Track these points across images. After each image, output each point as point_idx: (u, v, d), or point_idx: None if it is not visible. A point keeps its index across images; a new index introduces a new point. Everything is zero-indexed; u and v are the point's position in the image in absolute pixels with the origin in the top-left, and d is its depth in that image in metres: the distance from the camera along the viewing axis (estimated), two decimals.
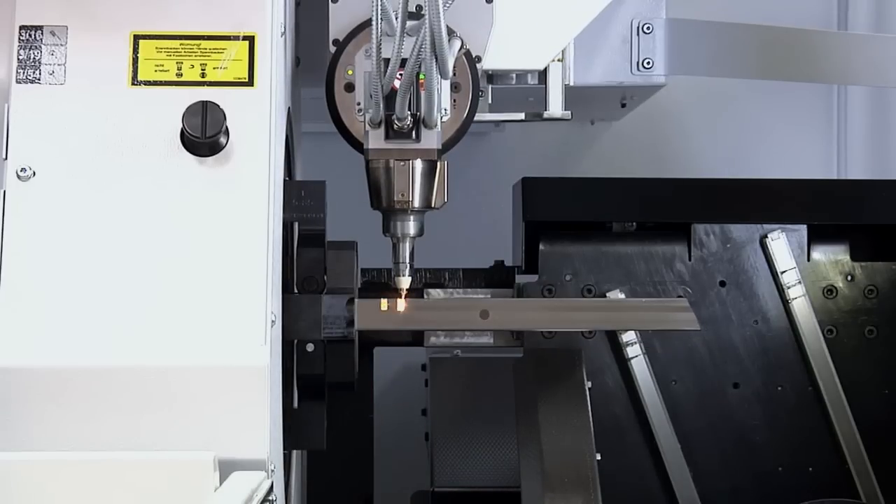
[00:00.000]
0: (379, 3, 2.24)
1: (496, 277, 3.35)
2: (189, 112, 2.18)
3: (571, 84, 2.90)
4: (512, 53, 2.76)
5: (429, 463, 3.44)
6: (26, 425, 2.09)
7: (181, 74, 2.23)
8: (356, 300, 2.52)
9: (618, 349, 3.32)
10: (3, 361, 2.09)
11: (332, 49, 2.53)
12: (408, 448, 3.89)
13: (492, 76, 2.84)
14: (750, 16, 3.93)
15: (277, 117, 2.28)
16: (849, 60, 3.17)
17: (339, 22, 2.53)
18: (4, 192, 2.18)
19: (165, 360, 2.11)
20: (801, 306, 3.33)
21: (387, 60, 2.30)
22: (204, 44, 2.25)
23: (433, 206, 2.57)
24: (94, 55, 2.23)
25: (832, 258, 3.37)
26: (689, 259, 3.34)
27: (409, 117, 2.40)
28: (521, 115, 2.91)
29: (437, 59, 2.24)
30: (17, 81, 2.22)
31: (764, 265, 3.35)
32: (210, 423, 2.10)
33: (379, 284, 3.15)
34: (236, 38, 2.25)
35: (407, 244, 2.61)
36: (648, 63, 3.18)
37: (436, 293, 3.28)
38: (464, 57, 2.53)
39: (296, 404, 2.47)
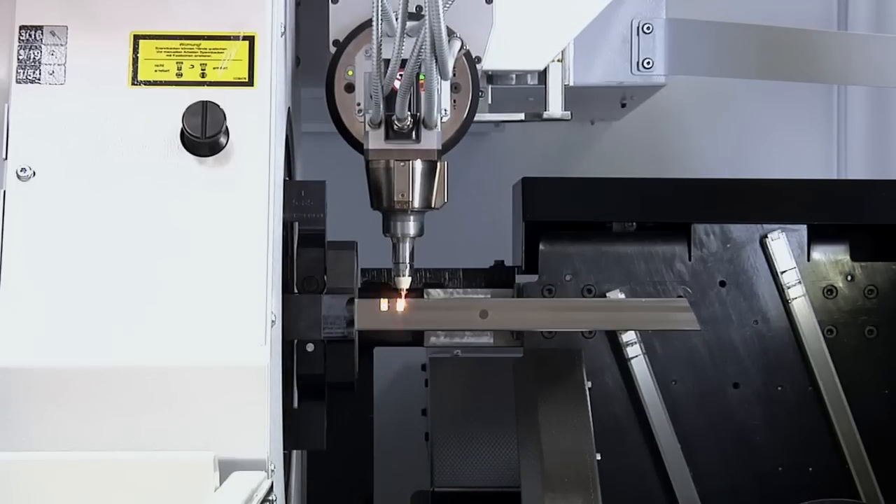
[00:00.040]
0: (379, 3, 2.24)
1: (496, 277, 3.35)
2: (189, 112, 2.18)
3: (571, 84, 2.90)
4: (512, 54, 2.76)
5: (429, 463, 3.44)
6: (26, 425, 2.09)
7: (181, 74, 2.23)
8: (356, 300, 2.52)
9: (618, 349, 3.32)
10: (3, 361, 2.09)
11: (332, 49, 2.53)
12: (408, 448, 3.89)
13: (492, 76, 2.84)
14: (750, 16, 3.93)
15: (277, 117, 2.28)
16: (849, 60, 3.17)
17: (340, 22, 2.54)
18: (4, 192, 2.18)
19: (165, 360, 2.11)
20: (801, 306, 3.33)
21: (387, 61, 2.30)
22: (204, 44, 2.25)
23: (433, 206, 2.57)
24: (94, 55, 2.23)
25: (832, 258, 3.37)
26: (689, 259, 3.34)
27: (409, 118, 2.40)
28: (521, 116, 2.91)
29: (437, 59, 2.25)
30: (17, 81, 2.22)
31: (764, 265, 3.35)
32: (210, 423, 2.10)
33: (379, 284, 3.15)
34: (236, 38, 2.25)
35: (407, 244, 2.61)
36: (648, 63, 3.18)
37: (436, 293, 3.28)
38: (464, 57, 2.53)
39: (296, 404, 2.47)
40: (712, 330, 3.33)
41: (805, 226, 3.35)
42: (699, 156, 4.38)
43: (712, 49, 3.24)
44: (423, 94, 2.35)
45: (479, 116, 2.70)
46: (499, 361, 3.40)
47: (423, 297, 3.25)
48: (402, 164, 2.50)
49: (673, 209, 3.35)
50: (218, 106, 2.18)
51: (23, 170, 2.18)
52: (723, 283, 3.35)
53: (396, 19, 2.25)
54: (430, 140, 2.44)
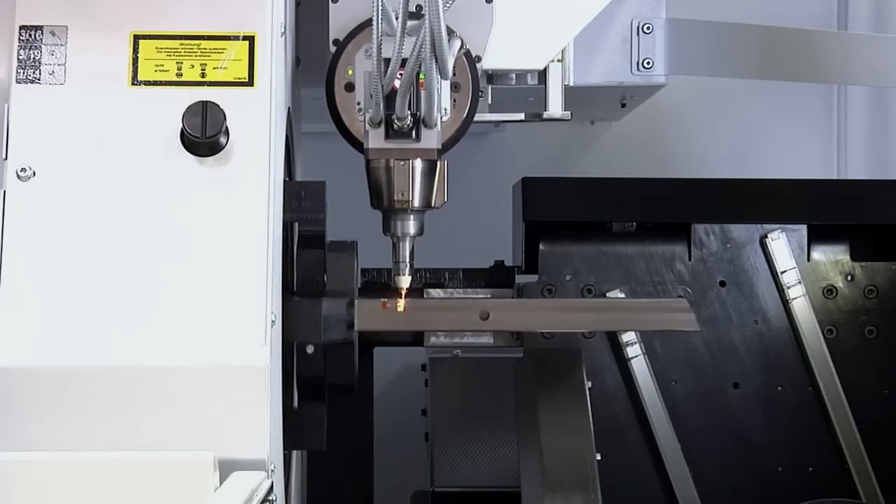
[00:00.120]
0: (379, 3, 2.24)
1: (496, 277, 3.35)
2: (189, 112, 2.18)
3: (571, 84, 2.90)
4: (512, 53, 2.76)
5: (429, 463, 3.44)
6: (26, 425, 2.09)
7: (181, 74, 2.23)
8: (356, 302, 2.52)
9: (618, 349, 3.32)
10: (3, 361, 2.09)
11: (332, 49, 2.53)
12: (408, 448, 3.89)
13: (492, 76, 2.84)
14: (750, 16, 3.93)
15: (277, 117, 2.28)
16: (849, 60, 3.17)
17: (340, 22, 2.53)
18: (4, 192, 2.18)
19: (165, 360, 2.11)
20: (801, 306, 3.33)
21: (387, 60, 2.30)
22: (204, 44, 2.25)
23: (433, 205, 2.57)
24: (94, 55, 2.23)
25: (832, 258, 3.37)
26: (689, 259, 3.34)
27: (409, 117, 2.40)
28: (521, 116, 2.91)
29: (437, 59, 2.24)
30: (17, 81, 2.22)
31: (764, 265, 3.35)
32: (210, 423, 2.10)
33: (379, 284, 3.15)
34: (236, 38, 2.25)
35: (407, 243, 2.61)
36: (648, 63, 3.18)
37: (436, 293, 3.28)
38: (464, 57, 2.53)
39: (296, 404, 2.47)
40: (712, 330, 3.33)
41: (805, 226, 3.35)
42: (699, 156, 4.38)
43: (712, 49, 3.24)
44: (423, 93, 2.35)
45: (479, 116, 2.70)
46: (499, 361, 3.40)
47: (422, 297, 3.24)
48: (402, 163, 2.50)
49: (673, 209, 3.35)
50: (218, 106, 2.18)
51: (23, 170, 2.18)
52: (723, 283, 3.35)
53: (396, 18, 2.25)
54: (430, 139, 2.44)
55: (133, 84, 2.23)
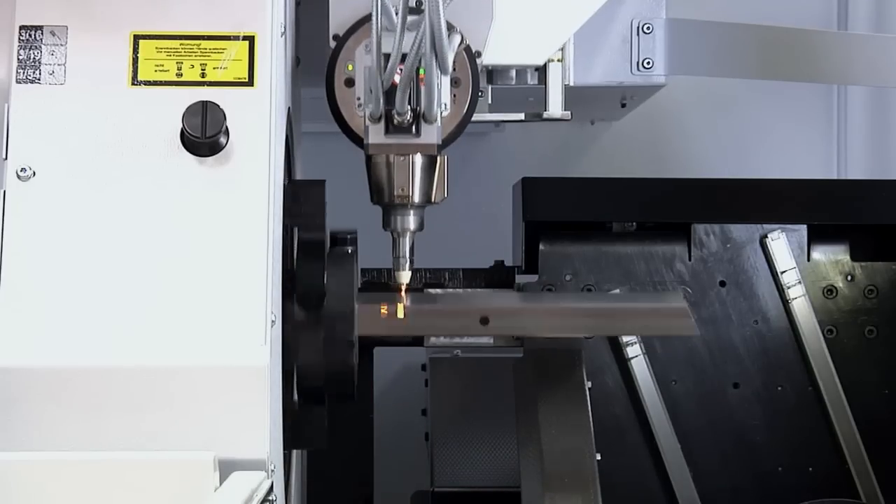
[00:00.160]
0: None
1: (496, 277, 3.35)
2: (189, 112, 2.18)
3: (571, 84, 2.90)
4: (512, 48, 2.75)
5: (429, 463, 3.44)
6: (26, 425, 2.09)
7: (181, 74, 2.23)
8: (356, 309, 2.51)
9: (618, 349, 3.32)
10: (3, 361, 2.09)
11: (332, 44, 2.52)
12: (408, 448, 3.89)
13: (492, 75, 2.84)
14: (750, 16, 3.93)
15: (277, 117, 2.27)
16: (849, 60, 3.17)
17: (339, 17, 2.53)
18: (4, 192, 2.18)
19: (165, 360, 2.11)
20: (801, 306, 3.33)
21: (387, 55, 2.30)
22: (204, 44, 2.25)
23: (433, 200, 2.56)
24: (94, 55, 2.23)
25: (832, 258, 3.37)
26: (689, 259, 3.35)
27: (409, 112, 2.39)
28: (521, 115, 2.91)
29: (436, 54, 2.24)
30: (17, 81, 2.22)
31: (764, 265, 3.35)
32: (210, 423, 2.10)
33: (379, 284, 3.15)
34: (236, 38, 2.25)
35: (407, 239, 2.60)
36: (648, 63, 3.18)
37: (435, 293, 3.28)
38: (464, 52, 2.52)
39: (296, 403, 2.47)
40: (712, 330, 3.33)
41: (805, 226, 3.35)
42: (699, 156, 4.38)
43: (712, 49, 3.24)
44: (422, 88, 2.34)
45: (479, 116, 2.70)
46: (499, 361, 3.40)
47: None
48: (401, 158, 2.49)
49: (673, 209, 3.36)
50: (218, 106, 2.18)
51: (23, 170, 2.18)
52: (723, 283, 3.35)
53: (396, 14, 2.25)
54: (430, 134, 2.43)
55: (133, 84, 2.23)
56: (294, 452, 2.74)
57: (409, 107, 2.38)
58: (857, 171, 4.36)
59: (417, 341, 3.25)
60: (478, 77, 2.54)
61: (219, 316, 2.14)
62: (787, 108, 4.37)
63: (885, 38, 3.58)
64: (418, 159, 2.50)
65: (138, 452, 2.07)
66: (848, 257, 3.38)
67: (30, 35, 2.23)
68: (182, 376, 2.10)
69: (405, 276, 2.63)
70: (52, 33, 2.24)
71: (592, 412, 3.09)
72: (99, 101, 2.21)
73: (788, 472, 3.34)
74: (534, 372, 3.12)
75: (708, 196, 3.38)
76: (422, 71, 2.29)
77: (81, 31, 2.24)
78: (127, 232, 2.16)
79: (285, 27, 2.38)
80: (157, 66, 2.24)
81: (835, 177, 4.37)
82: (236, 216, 2.18)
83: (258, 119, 2.22)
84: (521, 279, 3.35)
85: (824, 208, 3.36)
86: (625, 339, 3.29)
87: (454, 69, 2.48)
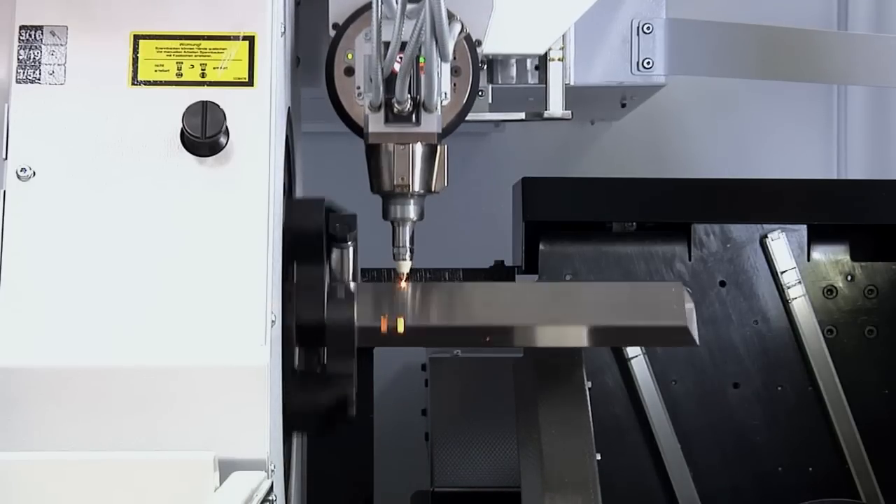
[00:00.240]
0: None
1: (496, 277, 3.35)
2: (189, 112, 2.18)
3: (571, 84, 2.90)
4: (512, 37, 2.74)
5: (429, 463, 3.44)
6: (26, 425, 2.09)
7: (181, 74, 2.23)
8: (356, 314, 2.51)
9: (618, 349, 3.32)
10: (3, 361, 2.09)
11: (332, 33, 2.52)
12: (408, 448, 3.89)
13: (493, 72, 2.83)
14: (750, 16, 3.93)
15: (277, 117, 2.27)
16: (849, 60, 3.17)
17: (339, 5, 2.51)
18: (4, 192, 2.18)
19: (165, 360, 2.11)
20: (801, 306, 3.33)
21: (387, 44, 2.29)
22: (204, 44, 2.25)
23: (433, 189, 2.55)
24: (94, 55, 2.23)
25: (832, 258, 3.37)
26: (689, 259, 3.35)
27: (409, 101, 2.39)
28: (522, 115, 2.91)
29: (437, 41, 2.23)
30: (17, 81, 2.22)
31: (764, 265, 3.35)
32: (210, 423, 2.10)
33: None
34: (236, 38, 2.25)
35: (407, 228, 2.59)
36: (648, 63, 3.18)
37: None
38: (464, 41, 2.50)
39: None
40: (712, 330, 3.33)
41: (805, 226, 3.35)
42: (699, 156, 4.38)
43: (712, 49, 3.24)
44: (423, 76, 2.34)
45: (479, 116, 2.70)
46: (499, 361, 3.40)
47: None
48: (402, 147, 2.48)
49: (673, 209, 3.36)
50: (218, 106, 2.18)
51: (23, 170, 2.18)
52: (723, 283, 3.35)
53: (396, 2, 2.24)
54: (431, 123, 2.43)
55: (133, 84, 2.23)
56: (294, 452, 2.74)
57: (408, 95, 2.38)
58: (857, 171, 4.36)
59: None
60: (478, 66, 2.53)
61: (219, 316, 2.14)
62: (787, 108, 4.37)
63: (885, 38, 3.58)
64: (418, 148, 2.49)
65: (138, 452, 2.07)
66: (848, 257, 3.38)
67: (30, 35, 2.23)
68: (182, 376, 2.10)
69: (406, 266, 2.62)
70: (52, 33, 2.24)
71: (592, 412, 3.09)
72: (99, 101, 2.21)
73: (788, 472, 3.34)
74: (534, 372, 3.12)
75: (708, 196, 3.38)
76: (422, 59, 2.28)
77: (81, 31, 2.24)
78: (127, 232, 2.16)
79: (285, 27, 2.38)
80: (157, 66, 2.24)
81: (835, 177, 4.37)
82: (236, 216, 2.18)
83: (258, 119, 2.22)
84: (521, 279, 3.34)
85: (824, 208, 3.36)
86: None
87: (454, 58, 2.47)
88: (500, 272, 3.36)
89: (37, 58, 2.22)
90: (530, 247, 3.34)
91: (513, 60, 2.86)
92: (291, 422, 2.40)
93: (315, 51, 2.72)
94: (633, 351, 3.30)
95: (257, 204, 2.19)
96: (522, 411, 3.08)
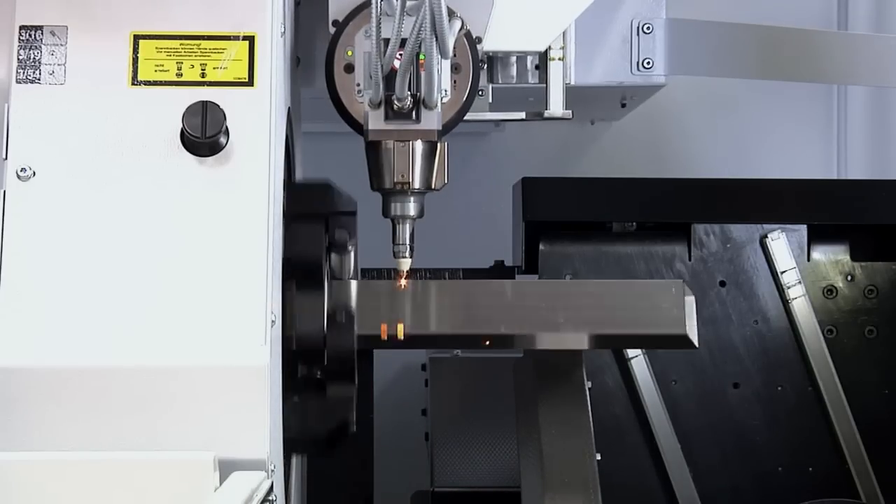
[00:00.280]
0: None
1: (496, 278, 3.35)
2: (189, 112, 2.18)
3: (572, 84, 2.90)
4: (513, 34, 2.74)
5: (429, 463, 3.44)
6: (26, 425, 2.09)
7: (181, 74, 2.23)
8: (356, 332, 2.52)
9: (618, 349, 3.32)
10: (3, 361, 2.09)
11: (332, 30, 2.51)
12: (408, 448, 3.89)
13: (493, 71, 2.83)
14: (750, 16, 3.93)
15: (277, 117, 2.27)
16: (849, 60, 3.17)
17: (339, 2, 2.51)
18: (4, 192, 2.18)
19: (165, 360, 2.11)
20: (801, 306, 3.33)
21: (386, 40, 2.29)
22: (204, 44, 2.25)
23: (433, 187, 2.54)
24: (94, 55, 2.23)
25: (832, 258, 3.37)
26: (689, 259, 3.34)
27: (409, 98, 2.38)
28: (522, 115, 2.91)
29: (437, 38, 2.23)
30: (17, 81, 2.22)
31: (764, 265, 3.35)
32: (210, 423, 2.10)
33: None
34: (236, 38, 2.25)
35: (407, 226, 2.58)
36: (648, 63, 3.18)
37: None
38: (464, 38, 2.50)
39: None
40: (712, 330, 3.33)
41: (805, 226, 3.35)
42: (699, 156, 4.38)
43: (712, 49, 3.24)
44: (423, 73, 2.34)
45: (479, 116, 2.69)
46: (499, 361, 3.40)
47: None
48: (402, 144, 2.48)
49: (673, 209, 3.36)
50: (218, 106, 2.18)
51: (23, 170, 2.18)
52: (723, 283, 3.35)
53: None
54: (431, 120, 2.42)
55: (133, 84, 2.23)
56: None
57: (408, 92, 2.37)
58: (857, 171, 4.36)
59: None
60: (478, 63, 2.52)
61: (219, 316, 2.14)
62: (787, 108, 4.37)
63: (885, 38, 3.58)
64: (418, 145, 2.49)
65: (138, 452, 2.07)
66: (848, 257, 3.38)
67: (30, 35, 2.23)
68: (182, 376, 2.10)
69: (406, 264, 2.62)
70: (52, 33, 2.24)
71: (592, 412, 3.09)
72: (99, 101, 2.21)
73: (788, 472, 3.34)
74: (534, 372, 3.12)
75: (708, 196, 3.38)
76: (422, 56, 2.28)
77: (81, 31, 2.24)
78: (127, 232, 2.16)
79: (285, 27, 2.38)
80: (157, 66, 2.24)
81: (835, 177, 4.37)
82: (236, 216, 2.18)
83: (258, 119, 2.22)
84: (521, 279, 3.34)
85: (824, 208, 3.36)
86: None
87: (454, 55, 2.46)
88: (500, 272, 3.36)
89: (37, 58, 2.22)
90: (530, 247, 3.34)
91: (513, 59, 2.86)
92: (291, 446, 2.40)
93: (310, 50, 2.72)
94: (633, 351, 3.30)
95: (257, 204, 2.19)
96: (522, 411, 3.08)
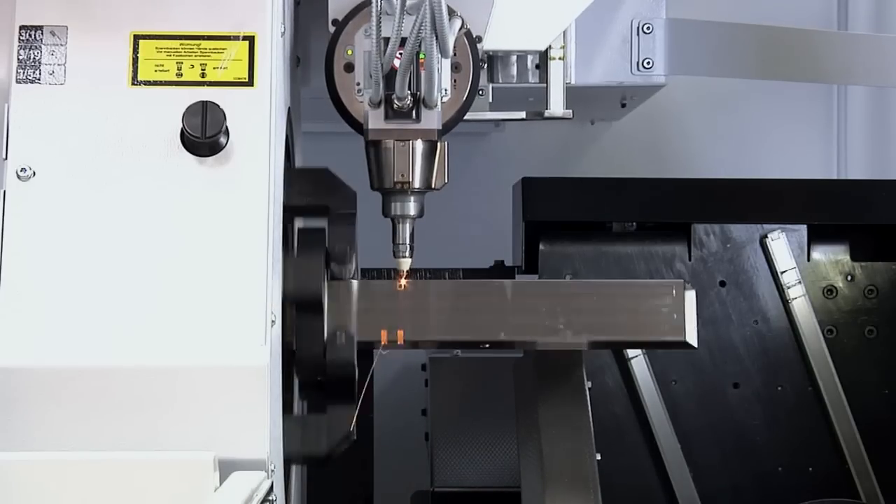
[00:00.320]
0: None
1: (496, 278, 3.35)
2: (189, 112, 2.18)
3: (572, 83, 2.90)
4: (513, 33, 2.73)
5: (429, 463, 3.44)
6: (26, 425, 2.09)
7: (181, 74, 2.23)
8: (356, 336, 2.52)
9: (618, 349, 3.32)
10: (3, 361, 2.09)
11: (332, 29, 2.51)
12: (408, 448, 3.89)
13: (493, 70, 2.83)
14: (750, 16, 3.93)
15: (277, 117, 2.27)
16: (849, 60, 3.18)
17: (339, 1, 2.50)
18: (4, 192, 2.18)
19: (165, 360, 2.11)
20: (801, 306, 3.33)
21: (386, 40, 2.29)
22: (204, 44, 2.25)
23: (433, 186, 2.54)
24: (94, 55, 2.23)
25: (832, 258, 3.37)
26: (689, 259, 3.34)
27: (409, 97, 2.38)
28: (522, 115, 2.91)
29: (437, 38, 2.23)
30: (17, 81, 2.22)
31: (764, 265, 3.35)
32: (210, 423, 2.10)
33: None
34: (236, 38, 2.25)
35: (407, 225, 2.58)
36: (648, 63, 3.18)
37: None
38: (464, 37, 2.49)
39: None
40: (712, 330, 3.33)
41: (805, 226, 3.35)
42: (699, 156, 4.38)
43: (712, 49, 3.24)
44: (423, 72, 2.33)
45: (479, 115, 2.69)
46: (499, 361, 3.40)
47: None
48: (402, 144, 2.48)
49: (673, 209, 3.36)
50: (218, 106, 2.18)
51: (23, 170, 2.18)
52: (723, 283, 3.35)
53: None
54: (431, 120, 2.42)
55: (133, 84, 2.23)
56: None
57: (409, 92, 2.37)
58: (857, 171, 4.36)
59: None
60: (478, 62, 2.52)
61: (219, 316, 2.14)
62: (787, 108, 4.37)
63: (885, 38, 3.58)
64: (419, 145, 2.48)
65: (138, 452, 2.07)
66: (848, 257, 3.38)
67: (30, 35, 2.23)
68: (182, 376, 2.10)
69: (406, 264, 2.61)
70: (52, 33, 2.24)
71: (592, 412, 3.09)
72: (99, 101, 2.21)
73: (788, 472, 3.34)
74: (534, 372, 3.12)
75: (708, 196, 3.38)
76: (422, 55, 2.28)
77: (81, 31, 2.24)
78: (127, 232, 2.16)
79: (285, 27, 2.38)
80: (157, 66, 2.24)
81: (835, 177, 4.37)
82: (236, 216, 2.18)
83: (258, 119, 2.22)
84: (520, 279, 3.34)
85: (824, 208, 3.36)
86: None
87: (454, 54, 2.46)
88: (500, 272, 3.36)
89: (37, 58, 2.22)
90: (530, 247, 3.34)
91: (513, 59, 2.86)
92: (290, 461, 2.40)
93: (307, 50, 2.72)
94: (633, 351, 3.30)
95: (257, 204, 2.19)
96: (522, 411, 3.08)
